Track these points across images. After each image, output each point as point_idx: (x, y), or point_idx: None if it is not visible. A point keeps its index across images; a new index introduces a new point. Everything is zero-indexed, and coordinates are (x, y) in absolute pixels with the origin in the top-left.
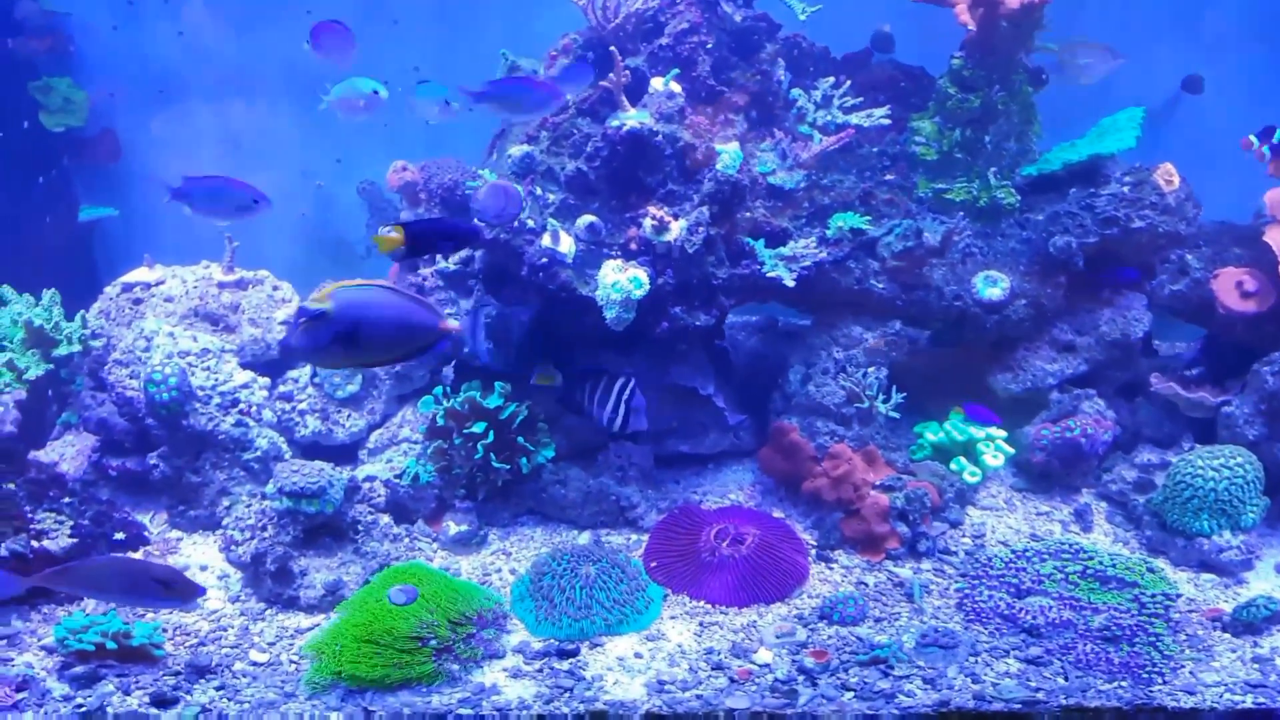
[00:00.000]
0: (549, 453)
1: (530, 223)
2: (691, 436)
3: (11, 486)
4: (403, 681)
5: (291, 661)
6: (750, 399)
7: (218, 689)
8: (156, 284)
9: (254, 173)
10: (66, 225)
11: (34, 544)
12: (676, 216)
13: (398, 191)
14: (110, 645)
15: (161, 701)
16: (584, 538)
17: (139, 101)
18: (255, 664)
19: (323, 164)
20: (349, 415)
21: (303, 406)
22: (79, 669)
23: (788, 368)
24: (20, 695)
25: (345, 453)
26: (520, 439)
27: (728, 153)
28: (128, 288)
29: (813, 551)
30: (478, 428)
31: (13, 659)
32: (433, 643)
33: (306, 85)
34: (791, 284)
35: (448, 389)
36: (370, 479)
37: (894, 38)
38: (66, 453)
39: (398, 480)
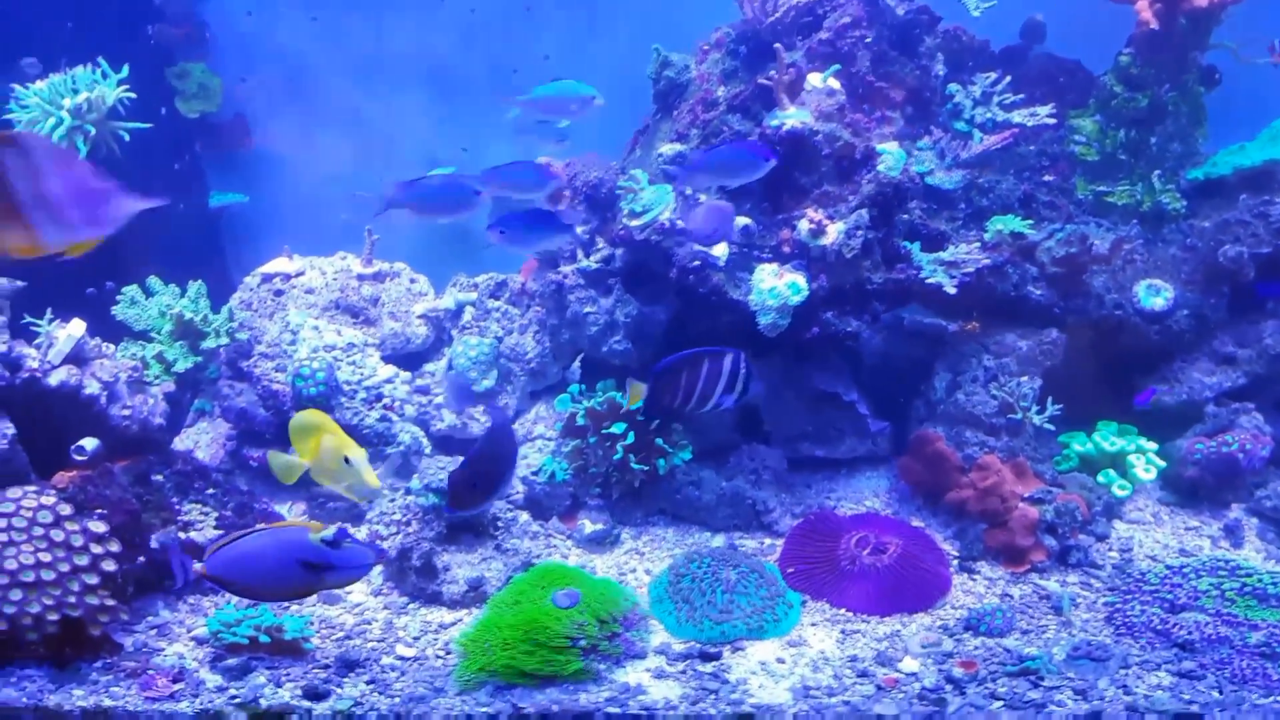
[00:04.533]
0: (686, 454)
1: (679, 223)
2: (826, 441)
3: (160, 478)
4: (551, 678)
5: (438, 656)
6: (881, 401)
7: (368, 683)
8: (296, 275)
9: (381, 160)
10: (198, 211)
11: (181, 535)
12: (832, 219)
13: None
14: (263, 639)
15: (314, 694)
16: (718, 540)
17: (270, 87)
18: (402, 658)
19: (449, 153)
20: (483, 410)
21: (439, 400)
22: (231, 661)
23: (931, 373)
24: (177, 686)
25: None
26: (659, 440)
27: (890, 153)
28: (267, 278)
29: (954, 562)
30: (617, 428)
31: (163, 649)
32: (582, 642)
33: (435, 72)
34: (953, 291)
35: (583, 388)
36: None
37: (1046, 27)
38: (201, 440)
39: (534, 477)
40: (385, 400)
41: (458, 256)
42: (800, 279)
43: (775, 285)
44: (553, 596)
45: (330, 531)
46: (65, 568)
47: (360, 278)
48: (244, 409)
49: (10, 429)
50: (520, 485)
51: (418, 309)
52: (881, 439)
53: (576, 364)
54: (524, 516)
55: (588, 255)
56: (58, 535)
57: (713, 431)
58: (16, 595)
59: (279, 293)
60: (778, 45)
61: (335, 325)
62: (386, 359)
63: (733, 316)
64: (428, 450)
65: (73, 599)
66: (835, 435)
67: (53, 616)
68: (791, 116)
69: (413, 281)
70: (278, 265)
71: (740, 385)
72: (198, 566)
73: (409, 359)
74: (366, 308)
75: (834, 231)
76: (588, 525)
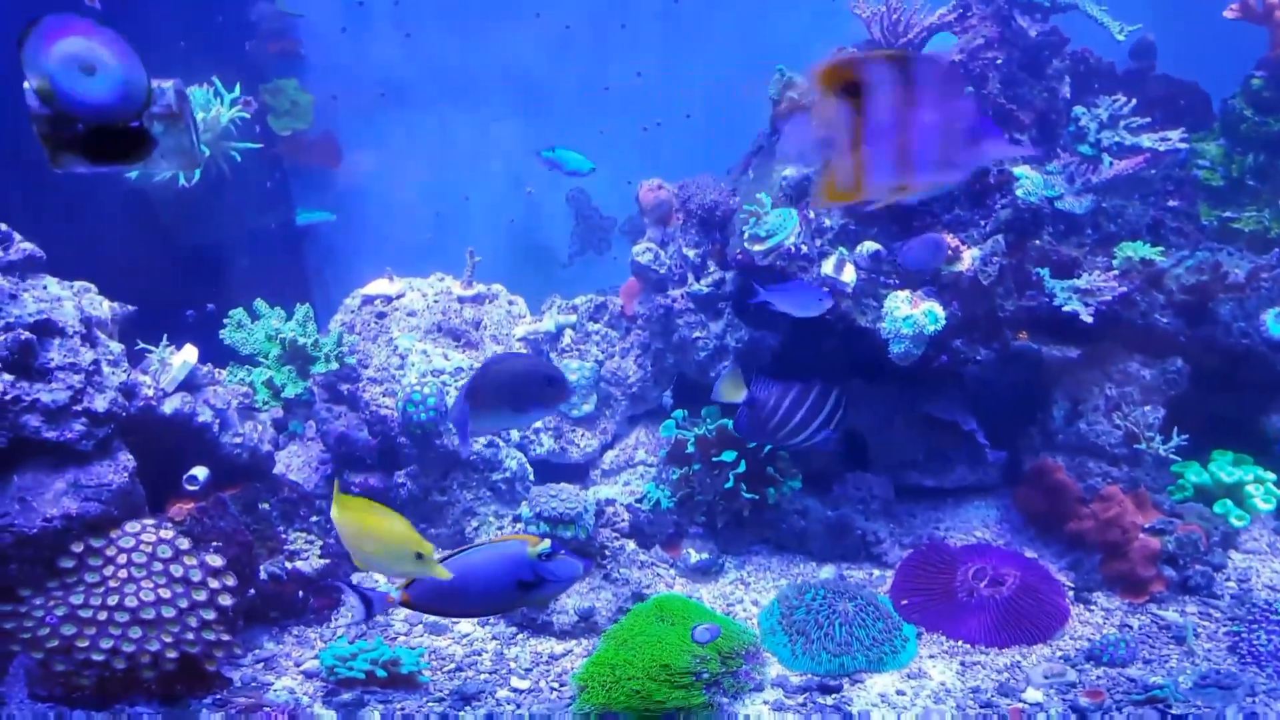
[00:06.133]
0: (796, 484)
1: (803, 248)
2: (936, 469)
3: (266, 506)
4: (673, 713)
5: (552, 689)
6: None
7: (486, 717)
8: (397, 297)
9: (466, 177)
10: (285, 229)
11: (287, 565)
12: (965, 244)
13: (649, 209)
14: (380, 673)
15: None
16: (825, 571)
17: (360, 104)
18: (517, 690)
19: (533, 170)
20: (583, 435)
21: (538, 425)
22: (345, 696)
23: (1048, 402)
24: None
25: (577, 472)
26: (769, 468)
27: (1029, 178)
28: (368, 300)
29: (1070, 593)
30: (728, 456)
31: (272, 683)
32: (705, 676)
33: (526, 89)
34: (1089, 319)
35: (686, 414)
36: (610, 502)
37: (1156, 47)
38: (293, 464)
39: (639, 505)
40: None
41: (540, 276)
42: (937, 307)
43: (911, 314)
44: (692, 631)
45: (545, 546)
46: (184, 604)
47: (461, 300)
48: (344, 433)
49: (131, 461)
50: (625, 513)
51: (518, 331)
52: (993, 468)
53: (668, 392)
54: (630, 545)
55: (698, 279)
56: (177, 570)
57: (814, 459)
58: (136, 633)
59: (381, 315)
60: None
61: (440, 349)
62: None
63: (844, 342)
64: (531, 477)
65: (190, 635)
66: (945, 464)
67: (171, 654)
68: None
69: (511, 303)
70: (378, 287)
71: (834, 423)
72: (394, 595)
73: None
74: (468, 330)
75: (969, 257)
76: (693, 554)
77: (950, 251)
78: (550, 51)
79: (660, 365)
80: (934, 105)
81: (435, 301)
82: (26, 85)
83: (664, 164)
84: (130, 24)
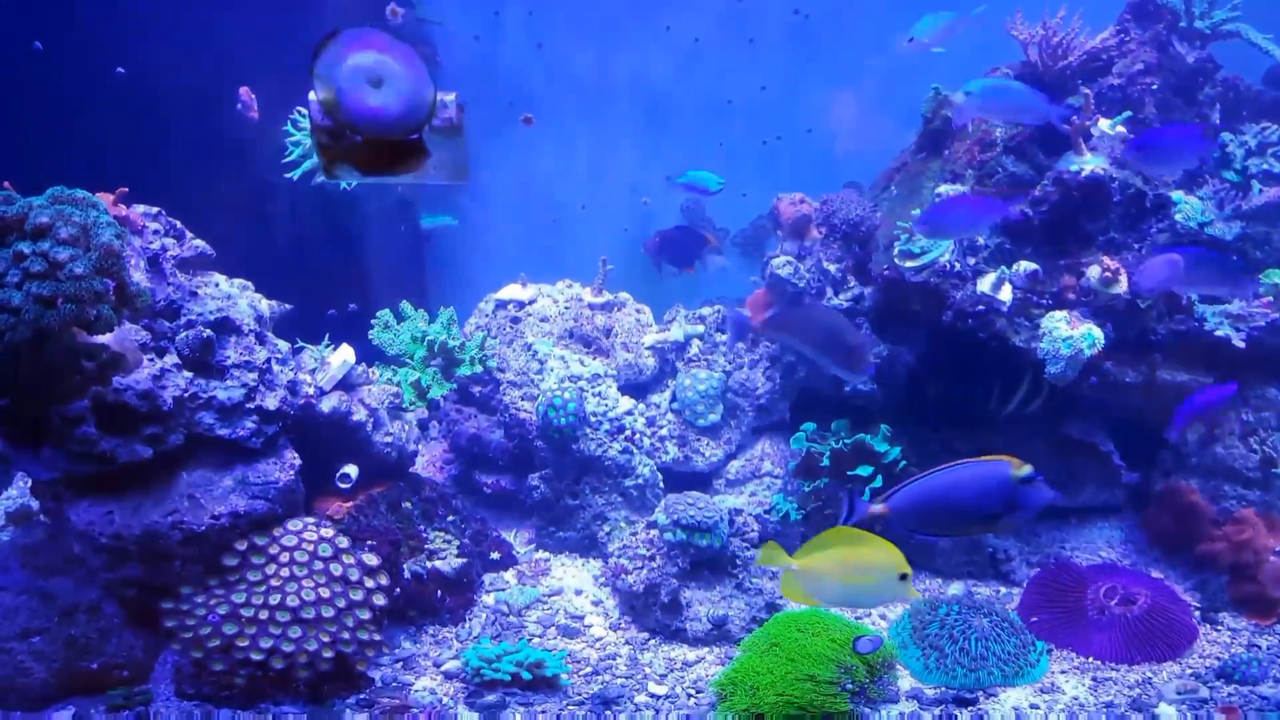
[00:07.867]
0: None
1: (956, 265)
2: (1065, 489)
3: (408, 505)
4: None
5: (689, 695)
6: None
7: None
8: (530, 302)
9: (585, 186)
10: (411, 231)
11: (428, 564)
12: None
13: (788, 223)
14: (525, 675)
15: None
16: (955, 588)
17: (489, 111)
18: (655, 696)
19: (652, 181)
20: (708, 444)
21: (663, 433)
22: (490, 698)
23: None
24: None
25: (700, 481)
26: None
27: (1189, 204)
28: (501, 305)
29: (1196, 612)
30: (863, 471)
31: (411, 683)
32: (849, 686)
33: (650, 101)
34: (1241, 345)
35: (814, 427)
36: (739, 512)
37: None
38: (417, 463)
39: (767, 515)
40: (626, 432)
41: (650, 284)
42: (1096, 330)
43: (1070, 334)
44: (855, 642)
45: (1028, 469)
46: (342, 603)
47: (591, 307)
48: (476, 434)
49: (296, 459)
50: (755, 523)
51: (647, 340)
52: (1121, 489)
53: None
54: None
55: (837, 293)
56: (336, 569)
57: None
58: (296, 632)
59: (515, 320)
60: (1086, 91)
61: (576, 355)
62: (621, 390)
63: (980, 359)
64: (661, 484)
65: (347, 635)
66: (1075, 484)
67: (328, 654)
68: (1090, 162)
69: (639, 312)
70: (511, 292)
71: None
72: (876, 507)
73: (632, 390)
74: (599, 338)
75: (1126, 280)
76: None
77: (1109, 274)
78: (677, 64)
79: (790, 378)
80: None
81: (566, 308)
82: (312, 96)
83: (781, 178)
84: (275, 28)
